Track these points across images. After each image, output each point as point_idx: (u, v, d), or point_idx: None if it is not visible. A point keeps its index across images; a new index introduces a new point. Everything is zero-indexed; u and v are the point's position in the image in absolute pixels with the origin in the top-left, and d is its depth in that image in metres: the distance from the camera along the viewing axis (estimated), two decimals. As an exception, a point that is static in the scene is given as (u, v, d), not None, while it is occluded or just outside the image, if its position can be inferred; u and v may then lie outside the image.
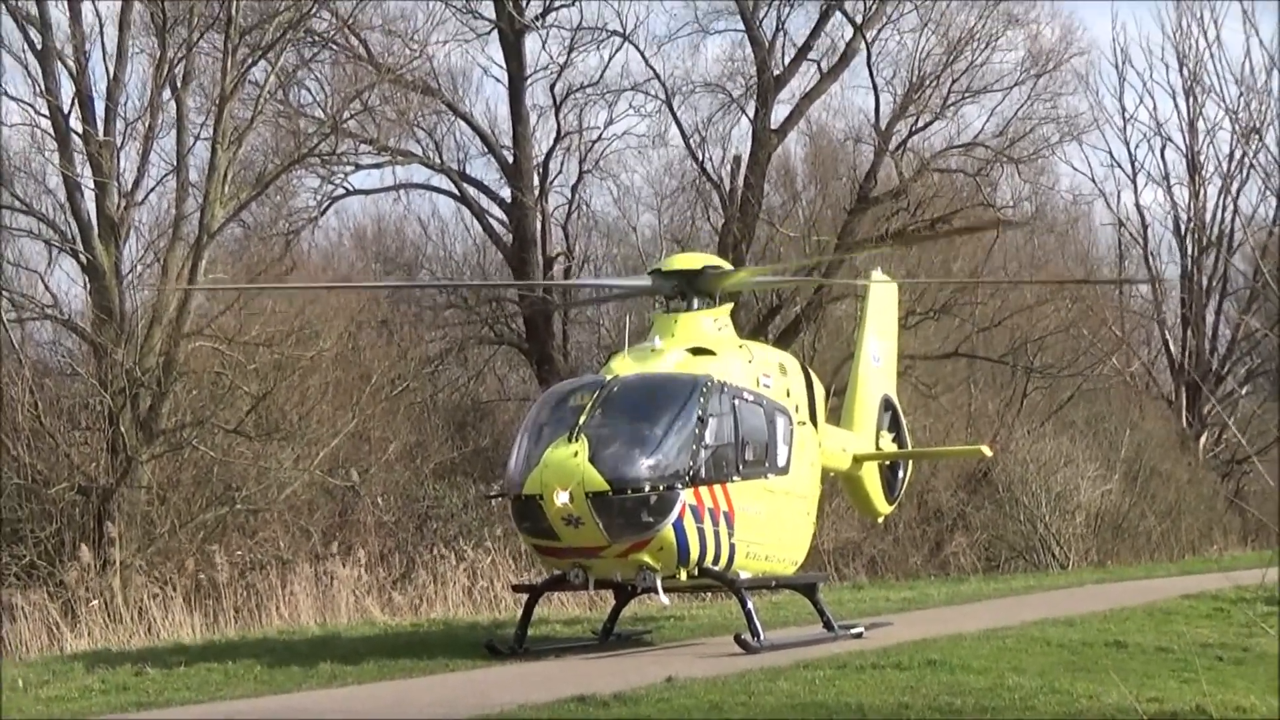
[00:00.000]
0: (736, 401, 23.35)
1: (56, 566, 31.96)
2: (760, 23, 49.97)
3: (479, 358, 53.28)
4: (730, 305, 25.63)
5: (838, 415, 29.29)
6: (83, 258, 35.38)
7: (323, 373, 38.10)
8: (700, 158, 51.20)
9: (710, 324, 24.72)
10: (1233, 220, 67.26)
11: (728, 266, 26.29)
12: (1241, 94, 64.13)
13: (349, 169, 48.64)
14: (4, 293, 35.73)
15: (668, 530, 22.16)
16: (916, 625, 26.13)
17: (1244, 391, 66.23)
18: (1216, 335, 68.62)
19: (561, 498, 21.76)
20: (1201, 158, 67.87)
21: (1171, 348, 68.23)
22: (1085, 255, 68.69)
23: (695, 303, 24.74)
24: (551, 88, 51.24)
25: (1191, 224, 67.35)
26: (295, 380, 36.89)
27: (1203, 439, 64.89)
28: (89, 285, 35.91)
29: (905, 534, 46.81)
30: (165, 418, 34.41)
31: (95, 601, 30.54)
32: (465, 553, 35.29)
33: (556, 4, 50.19)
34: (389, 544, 37.13)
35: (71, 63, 35.40)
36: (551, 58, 51.21)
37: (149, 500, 33.96)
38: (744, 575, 23.54)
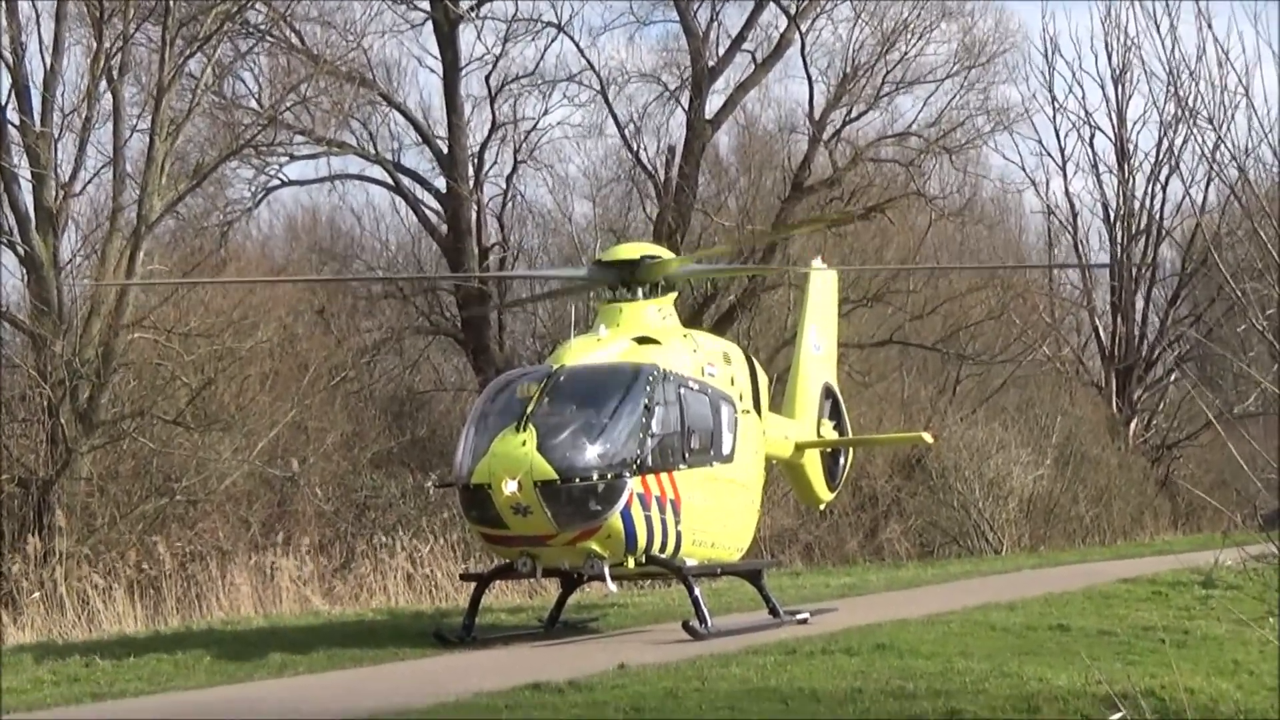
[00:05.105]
0: (682, 390, 23.51)
1: (-3, 559, 31.95)
2: (695, 14, 50.23)
3: (415, 347, 53.32)
4: (674, 294, 25.75)
5: (779, 403, 29.48)
6: (20, 249, 35.26)
7: (260, 363, 38.11)
8: (635, 148, 51.39)
9: (655, 313, 24.89)
10: (1161, 207, 67.84)
11: (668, 255, 26.44)
12: (1169, 81, 64.33)
13: (284, 160, 48.65)
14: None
15: (615, 518, 22.29)
16: (860, 611, 26.29)
17: (1173, 378, 66.72)
18: (1146, 322, 69.10)
19: (510, 487, 21.85)
20: (1130, 145, 68.34)
21: (1101, 334, 68.65)
22: (1015, 243, 69.13)
23: (639, 292, 24.91)
24: (486, 78, 51.27)
25: (1121, 211, 67.74)
26: (234, 371, 36.88)
27: (1133, 425, 65.39)
28: (26, 277, 35.77)
29: (841, 520, 47.06)
30: (105, 409, 34.37)
31: (37, 594, 30.49)
32: (405, 542, 35.34)
33: (492, -5, 50.24)
34: (328, 534, 37.13)
35: (8, 54, 35.22)
36: (487, 48, 51.37)
37: (89, 492, 33.89)
38: (690, 563, 23.69)
